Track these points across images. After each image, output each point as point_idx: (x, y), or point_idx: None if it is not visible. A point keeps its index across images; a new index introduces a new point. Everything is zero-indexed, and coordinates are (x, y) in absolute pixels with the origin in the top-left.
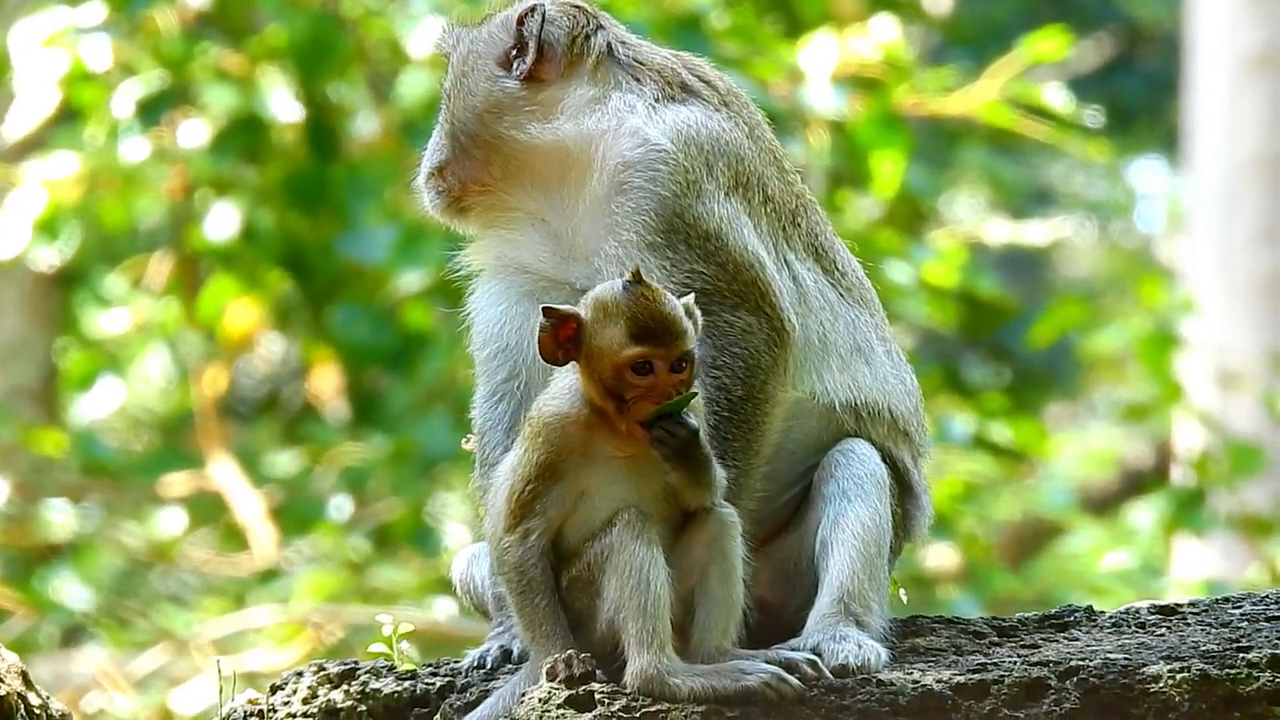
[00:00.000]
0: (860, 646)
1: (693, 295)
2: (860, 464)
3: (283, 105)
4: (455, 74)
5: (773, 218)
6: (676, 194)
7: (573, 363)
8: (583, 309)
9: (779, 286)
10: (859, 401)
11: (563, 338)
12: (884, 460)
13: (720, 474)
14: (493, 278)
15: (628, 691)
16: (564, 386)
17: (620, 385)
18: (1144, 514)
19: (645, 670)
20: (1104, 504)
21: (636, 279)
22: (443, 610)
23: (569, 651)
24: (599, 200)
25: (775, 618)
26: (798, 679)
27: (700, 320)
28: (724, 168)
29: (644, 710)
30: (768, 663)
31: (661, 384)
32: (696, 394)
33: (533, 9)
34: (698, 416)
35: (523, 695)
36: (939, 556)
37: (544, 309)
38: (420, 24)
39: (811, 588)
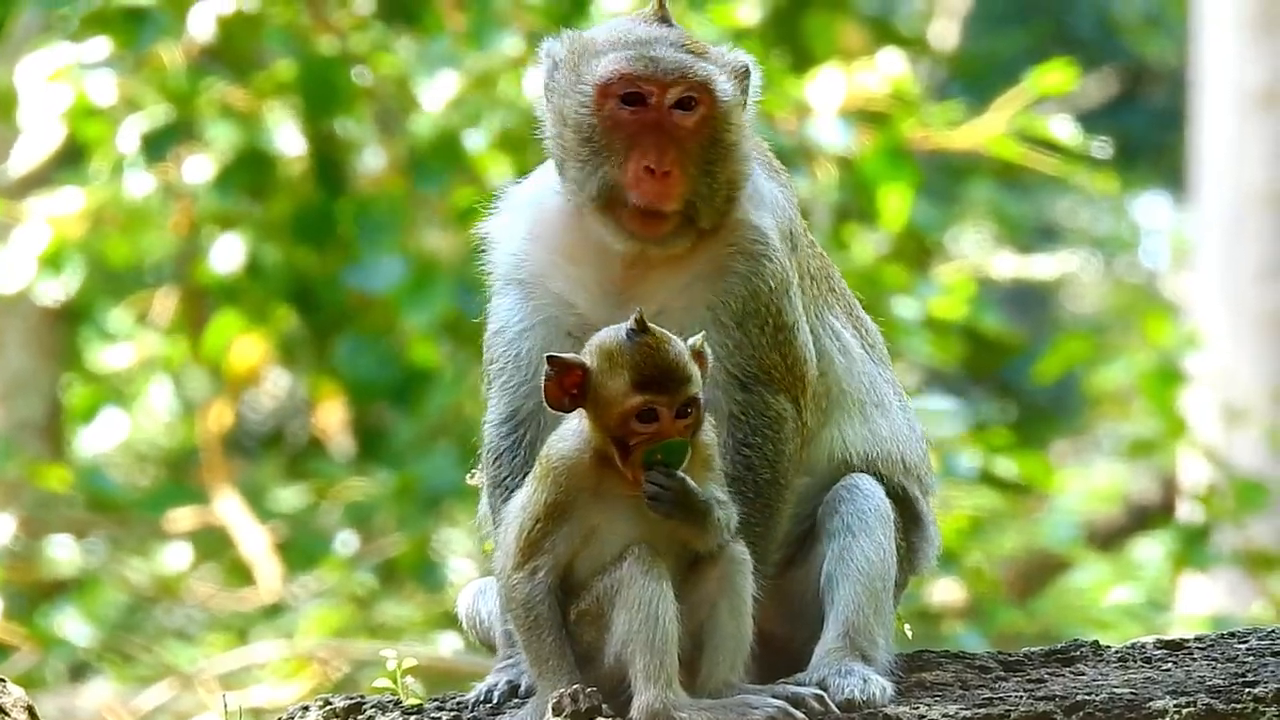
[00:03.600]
0: (866, 681)
1: (742, 369)
2: (865, 499)
3: (289, 140)
4: None
5: (814, 286)
6: (773, 288)
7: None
8: (588, 357)
9: (813, 380)
10: (875, 454)
11: (569, 385)
12: (890, 494)
13: (726, 515)
14: (529, 299)
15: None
16: (573, 428)
17: (625, 432)
18: (1150, 549)
19: (651, 705)
20: (1109, 539)
21: (641, 327)
22: (448, 645)
23: (575, 686)
24: (688, 266)
25: (781, 652)
26: (804, 714)
27: (710, 359)
28: (796, 252)
29: None
30: (774, 698)
31: (666, 430)
32: (687, 443)
33: None
34: (704, 463)
35: None
36: (945, 591)
37: (548, 358)
38: (435, 77)
39: (817, 622)
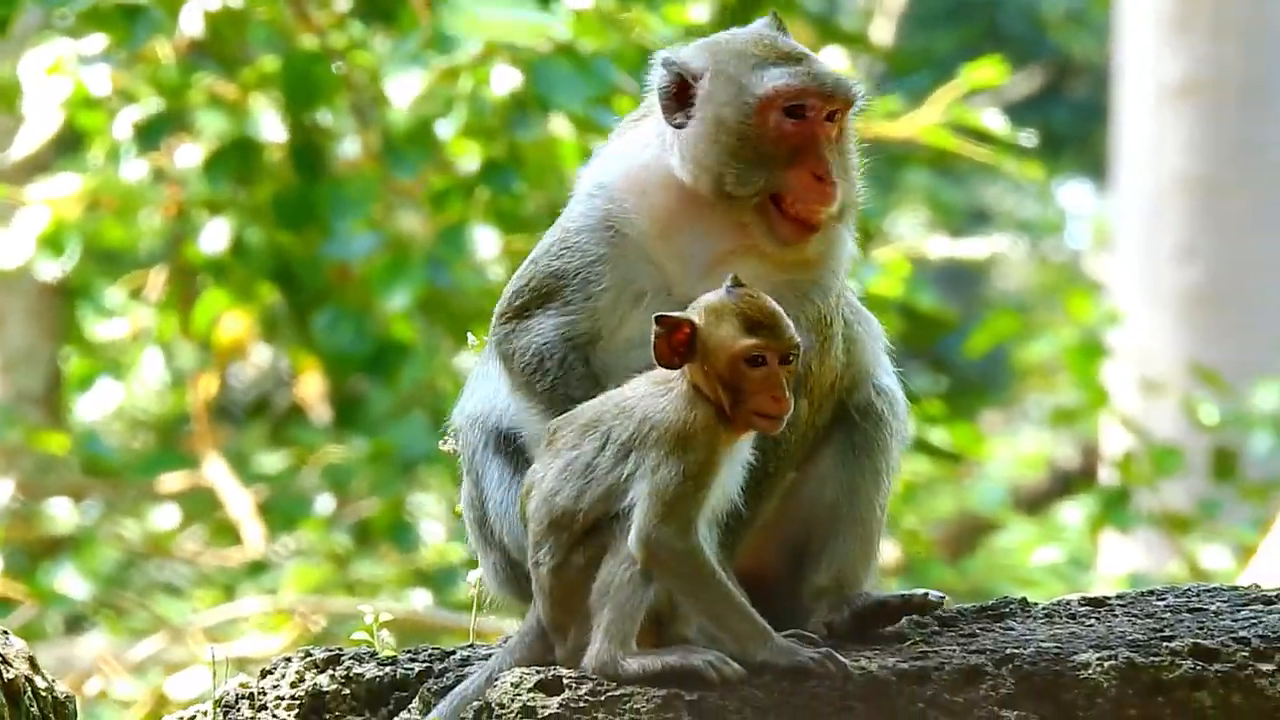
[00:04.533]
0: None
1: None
2: (880, 453)
3: (272, 129)
4: None
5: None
6: (834, 302)
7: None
8: (694, 314)
9: (830, 385)
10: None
11: (676, 342)
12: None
13: None
14: (622, 243)
15: (592, 676)
16: (664, 395)
17: (737, 378)
18: (1072, 512)
19: (601, 656)
20: (1035, 503)
21: (738, 283)
22: (420, 601)
23: (827, 649)
24: (775, 264)
25: (770, 588)
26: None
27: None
28: None
29: (608, 694)
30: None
31: (774, 375)
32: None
33: None
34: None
35: (495, 678)
36: (882, 552)
37: (657, 318)
38: (401, 75)
39: (806, 560)
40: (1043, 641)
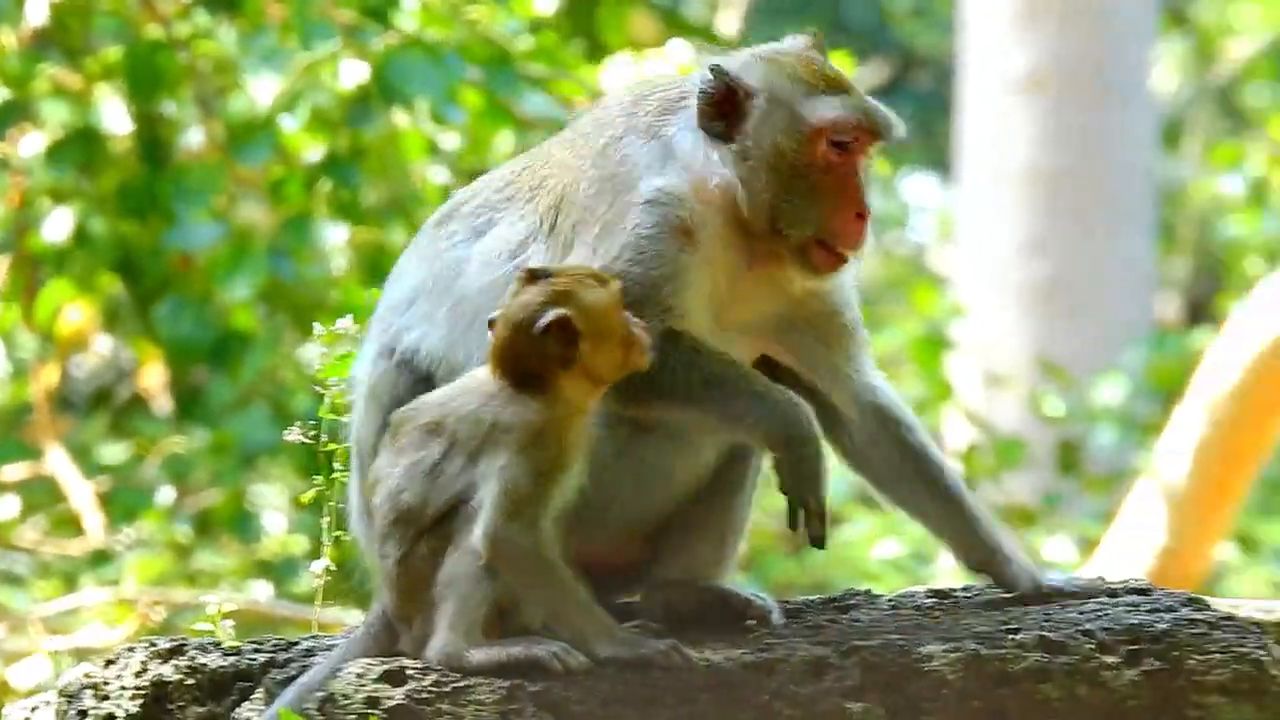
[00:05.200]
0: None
1: None
2: (755, 455)
3: (116, 119)
4: None
5: None
6: None
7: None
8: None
9: None
10: None
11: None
12: None
13: None
14: (696, 246)
15: (437, 667)
16: (517, 404)
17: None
18: None
19: (446, 649)
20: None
21: (533, 277)
22: (261, 592)
23: (671, 641)
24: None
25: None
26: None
27: None
28: None
29: (453, 685)
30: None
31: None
32: None
33: None
34: None
35: (339, 669)
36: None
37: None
38: (262, 72)
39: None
40: (889, 633)
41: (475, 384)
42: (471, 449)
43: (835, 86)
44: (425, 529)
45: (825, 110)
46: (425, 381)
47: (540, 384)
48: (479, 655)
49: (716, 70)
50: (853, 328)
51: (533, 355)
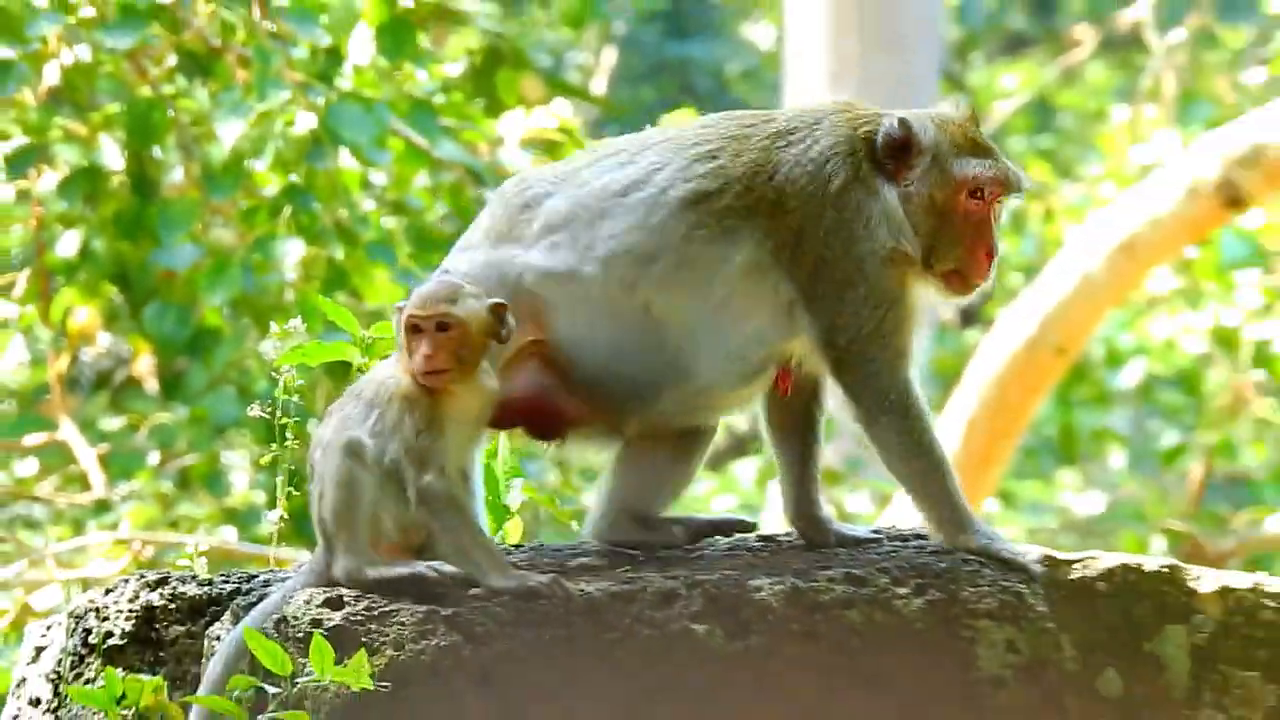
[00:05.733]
0: None
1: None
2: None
3: (114, 160)
4: None
5: None
6: None
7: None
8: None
9: None
10: None
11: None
12: None
13: None
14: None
15: (368, 594)
16: (392, 363)
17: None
18: (745, 468)
19: (348, 567)
20: (716, 460)
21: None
22: (229, 535)
23: (552, 575)
24: None
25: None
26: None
27: None
28: None
29: (380, 610)
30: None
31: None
32: None
33: None
34: None
35: (290, 596)
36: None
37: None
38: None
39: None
40: (726, 570)
41: (391, 360)
42: (380, 407)
43: (980, 150)
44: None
45: (969, 169)
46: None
47: None
48: (373, 573)
49: (904, 124)
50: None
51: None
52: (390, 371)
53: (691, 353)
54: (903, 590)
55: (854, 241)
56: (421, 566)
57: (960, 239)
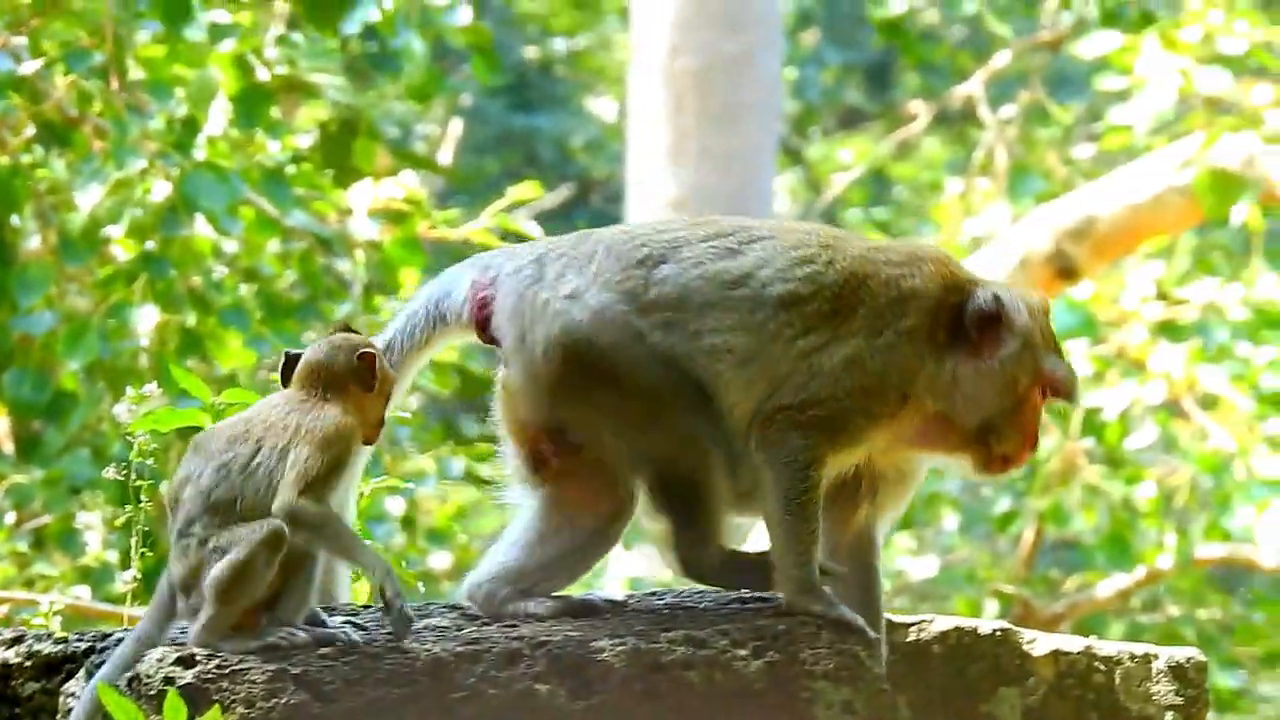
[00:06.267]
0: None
1: None
2: None
3: None
4: None
5: None
6: None
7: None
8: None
9: None
10: None
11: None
12: None
13: None
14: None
15: (220, 652)
16: (321, 410)
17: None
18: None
19: (204, 634)
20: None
21: (345, 327)
22: (83, 593)
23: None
24: None
25: None
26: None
27: None
28: None
29: (231, 668)
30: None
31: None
32: None
33: None
34: None
35: (143, 654)
36: (440, 560)
37: (364, 353)
38: (87, 188)
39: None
40: (570, 631)
41: (280, 399)
42: (280, 445)
43: (1059, 349)
44: (234, 520)
45: (1058, 370)
46: None
47: (341, 397)
48: (228, 646)
49: (998, 301)
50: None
51: (344, 374)
52: (304, 413)
53: None
54: (742, 652)
55: (889, 371)
56: (272, 638)
57: (1021, 427)
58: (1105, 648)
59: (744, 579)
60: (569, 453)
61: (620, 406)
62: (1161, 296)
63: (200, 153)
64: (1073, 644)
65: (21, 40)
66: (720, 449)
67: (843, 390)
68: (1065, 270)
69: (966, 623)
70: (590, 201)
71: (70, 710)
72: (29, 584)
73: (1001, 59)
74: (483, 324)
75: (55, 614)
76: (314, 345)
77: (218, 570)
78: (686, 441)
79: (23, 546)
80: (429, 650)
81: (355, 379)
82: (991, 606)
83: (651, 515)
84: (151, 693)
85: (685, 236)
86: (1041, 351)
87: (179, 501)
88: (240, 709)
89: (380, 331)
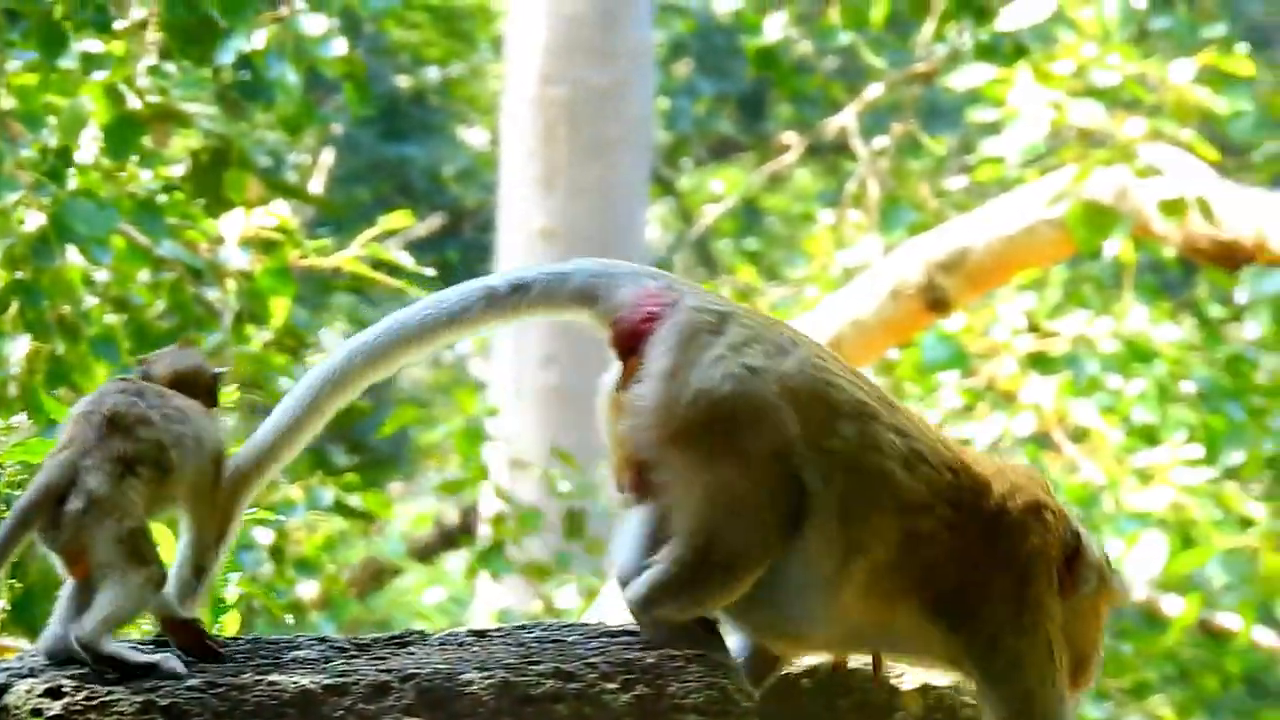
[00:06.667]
0: None
1: None
2: None
3: None
4: None
5: None
6: None
7: None
8: None
9: None
10: None
11: None
12: None
13: None
14: None
15: (89, 684)
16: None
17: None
18: (455, 561)
19: (91, 634)
20: (426, 553)
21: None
22: None
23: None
24: None
25: None
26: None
27: None
28: None
29: (100, 700)
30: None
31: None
32: None
33: None
34: None
35: (10, 686)
36: (307, 589)
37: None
38: None
39: None
40: (438, 664)
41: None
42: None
43: (1109, 561)
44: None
45: (1124, 588)
46: None
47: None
48: (111, 646)
49: (1077, 538)
50: None
51: (202, 383)
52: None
53: None
54: (611, 685)
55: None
56: (159, 658)
57: (1096, 648)
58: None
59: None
60: (644, 488)
61: (723, 483)
62: (1033, 329)
63: (73, 182)
64: (941, 679)
65: None
66: (768, 566)
67: None
68: (936, 302)
69: (834, 656)
70: (462, 230)
71: None
72: None
73: (875, 90)
74: (634, 332)
75: None
76: (179, 354)
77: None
78: (754, 544)
79: None
80: (297, 683)
81: (207, 390)
82: None
83: (665, 556)
84: None
85: (877, 411)
86: (1109, 573)
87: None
88: None
89: (514, 268)
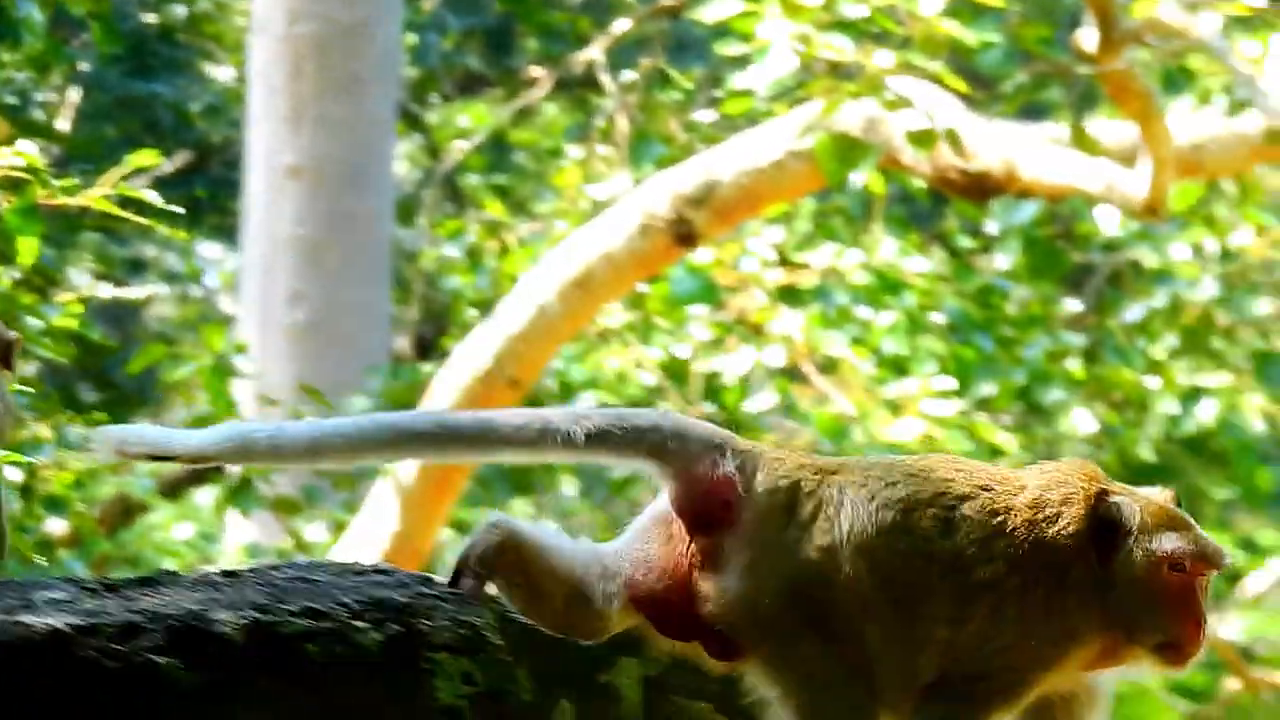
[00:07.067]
0: None
1: None
2: None
3: None
4: None
5: None
6: None
7: None
8: None
9: None
10: None
11: None
12: None
13: None
14: None
15: None
16: None
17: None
18: (204, 496)
19: None
20: (176, 488)
21: None
22: None
23: None
24: None
25: None
26: None
27: None
28: None
29: None
30: None
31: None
32: None
33: None
34: None
35: None
36: (57, 526)
37: None
38: None
39: None
40: (189, 604)
41: None
42: None
43: (1177, 525)
44: None
45: (1167, 544)
46: None
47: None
48: None
49: (1112, 508)
50: None
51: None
52: None
53: None
54: (361, 624)
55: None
56: None
57: (1167, 611)
58: None
59: None
60: (732, 653)
61: (814, 655)
62: (782, 262)
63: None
64: None
65: None
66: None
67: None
68: (685, 236)
69: None
70: (209, 167)
71: None
72: None
73: (622, 24)
74: (708, 507)
75: None
76: None
77: None
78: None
79: None
80: (48, 623)
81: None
82: None
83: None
84: None
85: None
86: (1151, 537)
87: None
88: None
89: (582, 407)
